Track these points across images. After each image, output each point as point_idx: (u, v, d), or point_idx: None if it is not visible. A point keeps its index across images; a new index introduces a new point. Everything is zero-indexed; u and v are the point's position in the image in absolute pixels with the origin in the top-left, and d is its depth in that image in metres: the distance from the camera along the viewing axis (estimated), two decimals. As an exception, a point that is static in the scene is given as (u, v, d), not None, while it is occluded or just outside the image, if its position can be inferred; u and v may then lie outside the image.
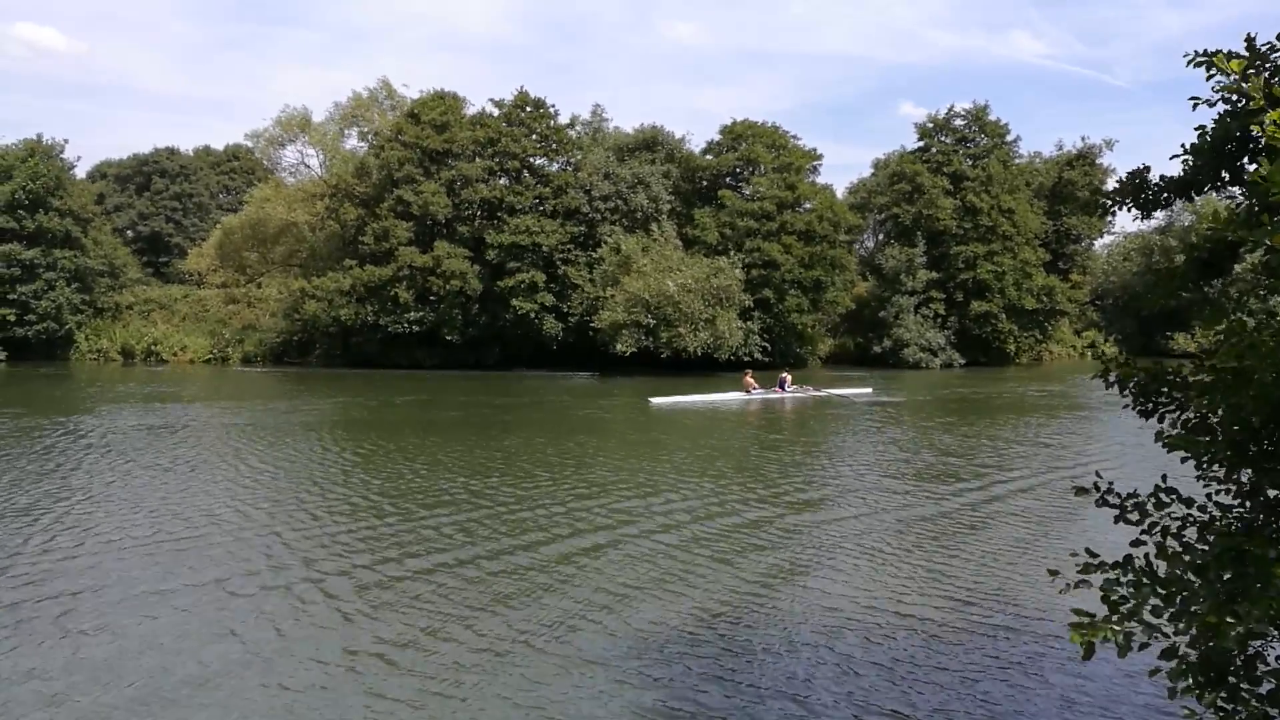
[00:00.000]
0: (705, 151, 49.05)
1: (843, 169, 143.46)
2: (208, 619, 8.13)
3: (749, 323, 43.04)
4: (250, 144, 58.03)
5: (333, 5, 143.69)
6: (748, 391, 28.98)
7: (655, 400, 27.03)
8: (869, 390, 31.52)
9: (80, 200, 47.41)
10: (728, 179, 47.98)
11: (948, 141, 54.11)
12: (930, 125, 54.66)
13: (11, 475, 14.62)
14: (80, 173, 54.79)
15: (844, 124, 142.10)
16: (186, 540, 10.83)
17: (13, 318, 43.36)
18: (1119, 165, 59.75)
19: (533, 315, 43.37)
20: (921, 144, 54.67)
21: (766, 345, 44.46)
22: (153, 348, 47.02)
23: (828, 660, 7.38)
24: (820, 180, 50.52)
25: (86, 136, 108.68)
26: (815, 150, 49.46)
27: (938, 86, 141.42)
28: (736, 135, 47.98)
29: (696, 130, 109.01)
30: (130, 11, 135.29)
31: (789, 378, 30.45)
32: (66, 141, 47.22)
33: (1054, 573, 3.72)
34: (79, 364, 45.14)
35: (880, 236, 58.64)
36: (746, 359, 42.85)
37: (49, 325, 44.49)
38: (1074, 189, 58.00)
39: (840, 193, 57.37)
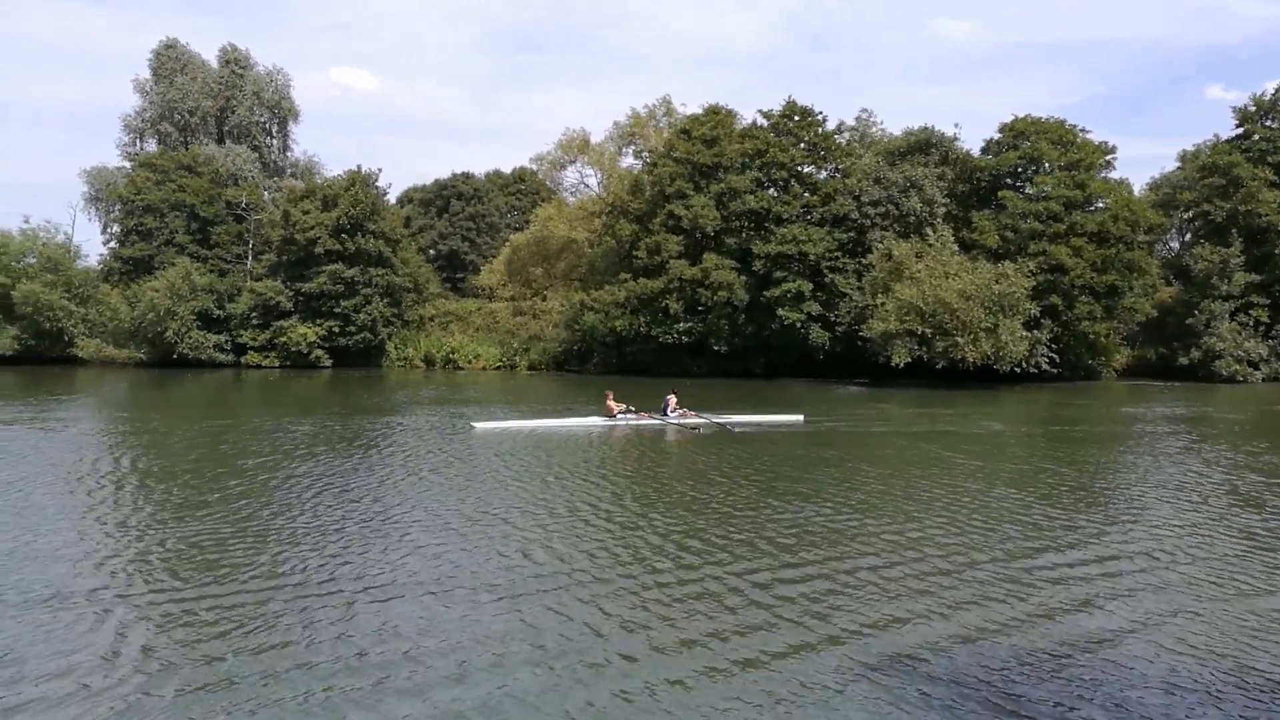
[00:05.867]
0: (984, 151, 46.55)
1: (1139, 163, 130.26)
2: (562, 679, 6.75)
3: (1035, 332, 40.21)
4: (534, 166, 62.32)
5: (605, 31, 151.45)
6: (610, 416, 23.80)
7: (480, 425, 22.35)
8: (799, 418, 24.73)
9: (391, 223, 53.05)
10: (1008, 179, 45.23)
11: (1275, 126, 47.92)
12: (1253, 109, 48.74)
13: (339, 487, 14.37)
14: (391, 198, 61.22)
15: (1138, 114, 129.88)
16: (527, 580, 9.21)
17: (337, 329, 49.29)
18: None
19: (799, 325, 43.27)
20: (1240, 130, 48.84)
21: (1054, 356, 41.33)
22: (450, 356, 51.63)
23: None
24: (1114, 176, 46.52)
25: (396, 165, 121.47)
26: (1108, 144, 45.59)
27: (1255, 65, 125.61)
28: (1018, 132, 45.15)
29: (971, 132, 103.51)
30: (430, 52, 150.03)
31: (674, 399, 24.63)
32: (380, 171, 52.99)
33: None
34: (389, 370, 50.36)
35: (1188, 236, 53.01)
36: (1034, 370, 40.18)
37: (365, 335, 50.13)
38: None
39: (1138, 189, 52.54)
